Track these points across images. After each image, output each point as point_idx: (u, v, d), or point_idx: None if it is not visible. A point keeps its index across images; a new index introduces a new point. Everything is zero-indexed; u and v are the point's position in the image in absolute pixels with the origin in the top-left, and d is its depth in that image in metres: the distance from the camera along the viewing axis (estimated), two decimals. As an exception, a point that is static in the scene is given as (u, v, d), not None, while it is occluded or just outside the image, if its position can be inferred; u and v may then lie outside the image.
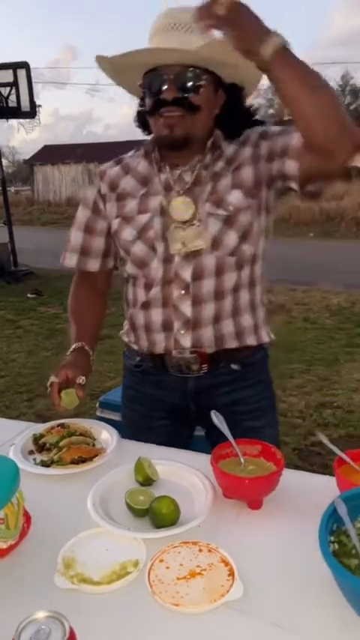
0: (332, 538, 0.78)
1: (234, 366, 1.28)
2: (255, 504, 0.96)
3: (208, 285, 1.19)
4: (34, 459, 1.15)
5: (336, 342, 4.92)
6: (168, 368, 1.27)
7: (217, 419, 1.08)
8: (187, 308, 1.20)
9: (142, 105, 1.21)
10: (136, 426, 1.36)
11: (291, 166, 1.12)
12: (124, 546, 0.86)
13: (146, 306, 1.25)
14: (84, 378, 1.21)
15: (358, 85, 36.76)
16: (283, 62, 0.95)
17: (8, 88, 8.09)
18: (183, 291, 1.20)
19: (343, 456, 0.98)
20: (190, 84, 1.10)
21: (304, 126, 1.02)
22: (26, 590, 0.81)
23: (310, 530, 0.76)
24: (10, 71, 8.07)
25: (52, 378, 1.19)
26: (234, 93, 1.18)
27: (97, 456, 1.13)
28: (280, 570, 0.82)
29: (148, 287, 1.24)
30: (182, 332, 1.22)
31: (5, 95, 8.10)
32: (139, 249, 1.22)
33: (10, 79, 8.07)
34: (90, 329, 1.35)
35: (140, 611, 0.75)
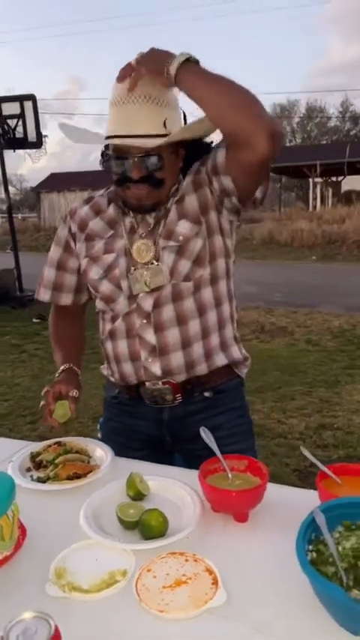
0: (311, 547, 0.82)
1: (207, 394, 1.32)
2: (241, 517, 1.00)
3: (167, 311, 1.25)
4: (31, 476, 1.20)
5: (337, 364, 4.94)
6: (144, 399, 1.32)
7: (205, 435, 1.12)
8: (150, 336, 1.26)
9: (104, 158, 1.27)
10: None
11: (226, 181, 1.19)
12: (114, 557, 0.90)
13: (113, 337, 1.31)
14: (77, 391, 1.27)
15: (358, 112, 37.50)
16: (187, 72, 1.09)
17: (15, 120, 8.36)
18: (145, 320, 1.26)
19: (325, 469, 1.02)
20: (153, 164, 1.17)
21: (217, 121, 1.12)
22: (19, 598, 0.84)
23: (292, 541, 0.80)
24: (17, 103, 8.35)
25: (47, 388, 1.25)
26: (194, 144, 1.25)
27: (91, 472, 1.17)
28: (262, 579, 0.86)
29: (113, 319, 1.31)
30: (150, 360, 1.27)
31: (12, 127, 8.36)
32: (105, 287, 1.28)
33: (17, 110, 8.34)
34: (74, 353, 1.41)
35: (128, 618, 0.79)
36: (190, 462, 1.27)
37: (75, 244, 1.36)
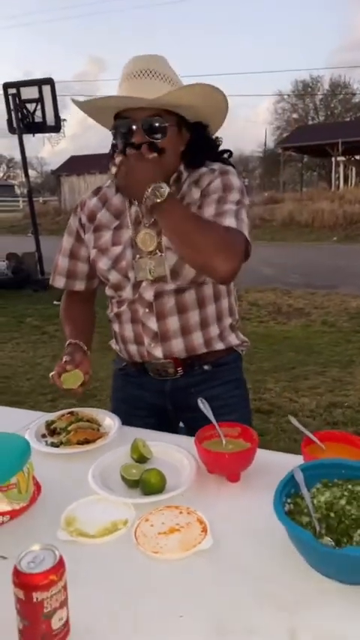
0: (289, 500, 0.92)
1: (206, 367, 1.43)
2: (233, 477, 1.10)
3: (169, 302, 1.34)
4: (46, 441, 1.32)
5: (352, 344, 4.99)
6: (149, 372, 1.43)
7: (202, 405, 1.22)
8: (152, 324, 1.36)
9: (114, 147, 1.34)
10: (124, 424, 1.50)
11: None
12: (117, 509, 1.02)
13: (120, 320, 1.42)
14: (71, 366, 1.29)
15: (384, 88, 36.31)
16: (164, 211, 1.19)
17: (34, 104, 8.45)
18: (147, 310, 1.36)
19: (310, 435, 1.11)
20: (156, 128, 1.23)
21: (185, 258, 1.26)
22: (32, 542, 0.96)
23: (276, 497, 0.90)
24: (36, 88, 8.44)
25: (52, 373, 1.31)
26: (198, 130, 1.32)
27: (100, 438, 1.29)
28: (247, 529, 0.96)
29: (120, 305, 1.41)
30: (152, 345, 1.38)
31: (31, 111, 8.46)
32: (114, 277, 1.37)
33: (36, 95, 8.43)
34: (82, 332, 1.47)
35: (126, 559, 0.90)
36: (191, 430, 1.36)
37: (84, 235, 1.44)
